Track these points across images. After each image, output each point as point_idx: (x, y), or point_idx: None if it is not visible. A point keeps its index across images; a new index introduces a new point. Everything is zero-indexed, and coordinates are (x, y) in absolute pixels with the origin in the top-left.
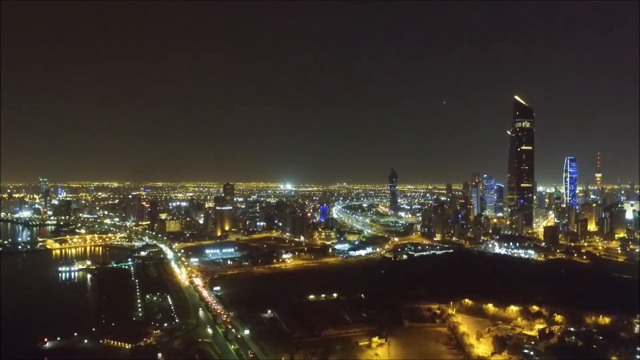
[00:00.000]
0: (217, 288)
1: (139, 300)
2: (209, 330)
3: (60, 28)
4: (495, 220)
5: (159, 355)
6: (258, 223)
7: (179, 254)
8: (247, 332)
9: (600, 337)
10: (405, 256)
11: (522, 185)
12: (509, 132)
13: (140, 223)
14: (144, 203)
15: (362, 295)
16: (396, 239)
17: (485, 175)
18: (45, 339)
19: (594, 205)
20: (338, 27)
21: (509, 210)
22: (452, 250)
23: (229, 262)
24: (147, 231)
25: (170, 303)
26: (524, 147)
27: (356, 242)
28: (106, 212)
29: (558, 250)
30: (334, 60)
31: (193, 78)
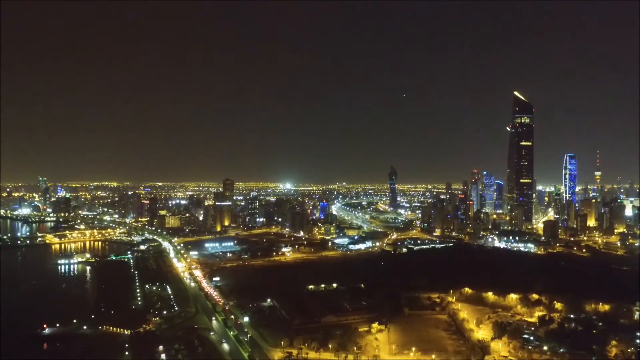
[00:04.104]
0: (217, 279)
1: (138, 290)
2: (208, 318)
3: (60, 27)
4: (494, 216)
5: (160, 347)
6: (257, 219)
7: (179, 248)
8: (246, 319)
9: (600, 324)
10: (405, 249)
11: (521, 180)
12: (508, 128)
13: (139, 219)
14: (143, 200)
15: (362, 285)
16: (395, 235)
17: (484, 173)
18: (45, 325)
19: (594, 201)
20: (337, 27)
21: (509, 207)
22: (451, 244)
23: (228, 255)
24: (146, 227)
25: (170, 293)
26: (523, 143)
27: (356, 237)
28: (106, 209)
29: (558, 244)
30: (333, 59)
31: (193, 78)
